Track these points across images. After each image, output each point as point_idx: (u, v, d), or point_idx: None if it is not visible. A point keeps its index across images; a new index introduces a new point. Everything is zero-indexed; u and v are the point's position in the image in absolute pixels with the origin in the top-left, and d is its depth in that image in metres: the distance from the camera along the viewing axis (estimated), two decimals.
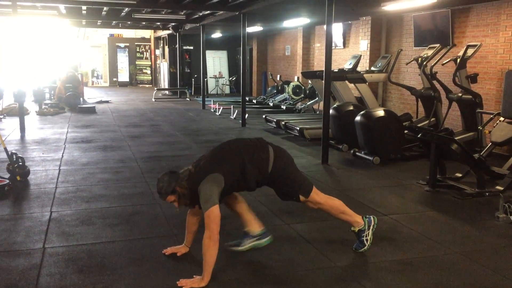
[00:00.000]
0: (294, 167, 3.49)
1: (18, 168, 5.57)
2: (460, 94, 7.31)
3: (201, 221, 3.42)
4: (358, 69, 9.28)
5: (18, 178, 5.51)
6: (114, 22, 15.93)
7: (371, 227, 3.64)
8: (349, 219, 3.62)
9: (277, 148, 3.45)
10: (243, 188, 3.41)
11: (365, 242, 3.62)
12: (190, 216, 3.55)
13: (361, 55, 9.61)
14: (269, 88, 16.33)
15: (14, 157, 5.60)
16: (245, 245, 3.60)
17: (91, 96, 17.31)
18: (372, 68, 9.25)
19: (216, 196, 3.13)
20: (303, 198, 3.45)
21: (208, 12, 11.98)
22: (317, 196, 3.52)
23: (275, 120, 9.87)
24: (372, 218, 3.69)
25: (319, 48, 13.90)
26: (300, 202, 3.48)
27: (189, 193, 3.22)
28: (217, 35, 18.50)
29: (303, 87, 13.50)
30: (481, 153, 6.06)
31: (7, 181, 5.30)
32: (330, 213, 3.62)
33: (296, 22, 12.46)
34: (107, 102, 15.80)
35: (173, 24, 16.26)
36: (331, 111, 7.54)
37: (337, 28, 12.18)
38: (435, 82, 7.73)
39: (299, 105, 12.94)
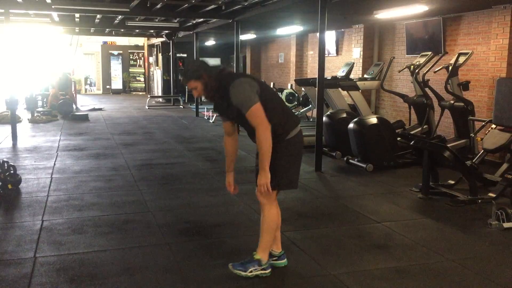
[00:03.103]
0: (300, 159, 3.37)
1: (9, 176, 5.51)
2: (452, 102, 7.36)
3: (237, 137, 3.43)
4: (351, 76, 9.32)
5: (9, 186, 5.45)
6: (107, 29, 15.90)
7: (265, 271, 3.32)
8: (263, 244, 3.32)
9: (301, 130, 3.42)
10: (277, 108, 3.21)
11: (248, 271, 3.28)
12: (227, 138, 3.46)
13: (354, 63, 9.66)
14: None
15: (6, 165, 5.56)
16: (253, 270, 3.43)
17: (84, 103, 17.25)
18: (365, 76, 9.30)
19: (255, 96, 3.04)
20: (275, 190, 3.25)
21: (202, 20, 12.01)
22: (274, 198, 3.32)
23: None
24: (279, 264, 3.46)
25: (312, 56, 13.96)
26: (265, 185, 3.12)
27: (215, 86, 3.11)
28: (210, 42, 18.54)
29: (296, 95, 13.52)
30: (474, 160, 6.09)
31: None
32: (263, 221, 3.33)
33: (289, 30, 12.52)
34: (100, 109, 15.74)
35: (167, 31, 16.28)
36: (324, 118, 7.55)
37: (330, 36, 12.25)
38: (427, 89, 7.78)
39: None
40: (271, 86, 15.16)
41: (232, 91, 3.06)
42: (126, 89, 23.98)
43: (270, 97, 3.19)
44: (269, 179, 3.10)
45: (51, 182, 6.03)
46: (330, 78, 8.93)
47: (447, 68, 7.39)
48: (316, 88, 7.00)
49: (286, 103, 13.22)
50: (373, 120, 7.01)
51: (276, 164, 3.19)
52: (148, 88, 23.78)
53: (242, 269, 3.30)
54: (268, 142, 3.05)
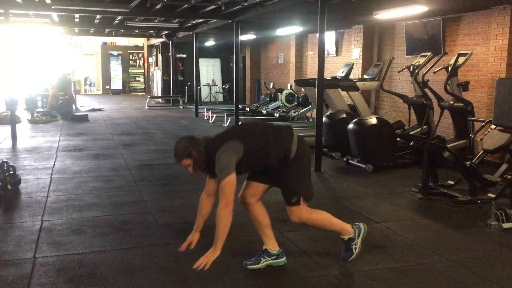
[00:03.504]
0: (310, 165, 3.44)
1: (9, 176, 5.52)
2: (451, 102, 7.36)
3: (215, 204, 3.35)
4: (351, 77, 9.33)
5: (9, 186, 5.46)
6: (107, 30, 15.91)
7: (361, 235, 3.55)
8: (337, 228, 3.53)
9: (299, 136, 3.42)
10: (263, 163, 3.28)
11: (353, 250, 3.50)
12: (205, 196, 3.44)
13: (353, 63, 9.67)
14: (262, 96, 16.37)
15: (5, 165, 5.56)
16: (262, 263, 3.51)
17: (83, 104, 17.26)
18: (365, 76, 9.30)
19: (233, 165, 3.09)
20: (299, 202, 3.33)
21: (201, 20, 12.01)
22: (305, 208, 3.41)
23: None
24: (362, 226, 3.60)
25: (312, 56, 13.97)
26: (293, 205, 3.33)
27: (205, 158, 3.19)
28: (210, 43, 18.54)
29: (296, 95, 13.53)
30: (473, 161, 6.09)
31: None
32: (318, 226, 3.54)
33: (289, 30, 12.52)
34: (99, 110, 15.74)
35: (166, 32, 16.28)
36: (324, 119, 7.56)
37: (330, 36, 12.25)
38: (427, 90, 7.78)
39: (292, 113, 12.96)
40: (271, 86, 15.18)
41: (216, 159, 3.14)
42: (126, 90, 23.98)
43: (261, 144, 3.23)
44: (216, 257, 3.09)
45: (50, 182, 6.03)
46: (329, 78, 8.94)
47: (446, 68, 7.39)
48: (316, 89, 7.01)
49: (286, 103, 13.28)
50: (373, 120, 7.02)
51: (293, 180, 3.31)
52: (147, 89, 23.79)
53: (349, 255, 3.51)
54: (227, 221, 3.07)
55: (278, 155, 3.26)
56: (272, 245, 3.53)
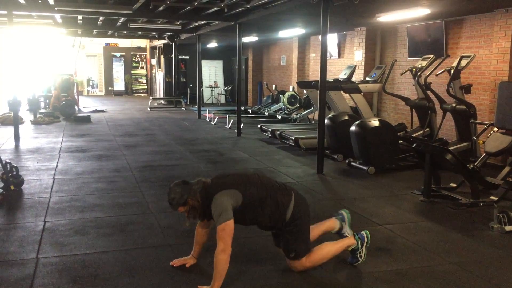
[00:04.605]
0: (308, 220, 3.45)
1: (12, 177, 5.54)
2: (454, 105, 7.36)
3: (210, 233, 3.42)
4: (353, 79, 9.32)
5: (12, 187, 5.48)
6: (110, 31, 15.96)
7: (364, 244, 3.59)
8: (342, 250, 3.57)
9: (298, 195, 3.44)
10: (255, 220, 3.34)
11: (359, 258, 3.58)
12: (199, 228, 3.52)
13: (356, 65, 9.66)
14: (265, 98, 16.38)
15: (8, 166, 5.57)
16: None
17: (86, 105, 17.29)
18: (367, 78, 9.30)
19: (231, 210, 3.11)
20: (298, 258, 3.39)
21: (204, 22, 12.04)
22: (307, 259, 3.43)
23: (270, 129, 9.88)
24: (364, 234, 3.63)
25: (314, 58, 13.98)
26: (293, 259, 3.40)
27: (200, 206, 3.20)
28: (212, 45, 18.57)
29: (298, 97, 13.53)
30: (475, 163, 6.08)
31: (1, 190, 5.28)
32: (324, 261, 3.54)
33: (291, 33, 12.53)
34: (102, 111, 15.77)
35: (169, 33, 16.32)
36: (326, 121, 7.56)
37: (332, 39, 12.26)
38: (429, 92, 7.78)
39: (294, 115, 12.97)
40: (273, 88, 15.19)
41: (212, 204, 3.15)
42: (128, 91, 24.03)
43: (258, 200, 3.24)
44: None
45: (53, 183, 6.04)
46: (332, 80, 8.94)
47: (449, 71, 7.39)
48: (318, 91, 7.01)
49: (288, 105, 13.28)
50: (375, 122, 7.01)
51: (290, 239, 3.35)
52: (150, 90, 23.82)
53: (355, 261, 3.58)
54: (224, 266, 3.09)
55: (272, 214, 3.29)
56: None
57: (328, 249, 3.52)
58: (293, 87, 14.36)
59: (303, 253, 3.39)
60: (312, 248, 3.46)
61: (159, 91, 21.00)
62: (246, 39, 14.31)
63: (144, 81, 24.29)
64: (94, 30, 15.59)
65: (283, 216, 3.30)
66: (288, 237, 3.36)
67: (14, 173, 5.62)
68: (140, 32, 16.34)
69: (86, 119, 12.99)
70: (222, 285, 3.10)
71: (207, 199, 3.17)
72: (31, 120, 12.33)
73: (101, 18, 12.31)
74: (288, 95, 13.68)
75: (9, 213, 4.88)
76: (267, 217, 3.29)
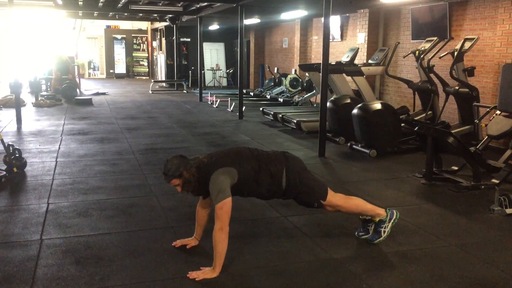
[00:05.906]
0: (307, 174, 3.48)
1: (15, 160, 5.56)
2: (457, 88, 7.32)
3: (210, 213, 3.43)
4: (356, 62, 9.28)
5: (15, 169, 5.50)
6: (110, 13, 15.83)
7: (392, 220, 3.66)
8: (370, 214, 3.65)
9: (289, 159, 3.44)
10: (254, 192, 3.38)
11: (382, 233, 3.64)
12: (200, 209, 3.55)
13: (358, 48, 9.61)
14: (267, 81, 16.32)
15: (11, 148, 5.59)
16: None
17: (87, 88, 17.26)
18: (370, 61, 9.25)
19: (229, 189, 3.13)
20: (322, 204, 3.48)
21: (206, 4, 11.93)
22: (334, 198, 3.52)
23: (272, 112, 9.87)
24: (395, 212, 3.71)
25: (316, 41, 13.88)
26: (320, 207, 3.51)
27: (195, 181, 3.22)
28: (214, 27, 18.44)
29: (300, 80, 13.49)
30: (477, 147, 6.07)
31: (4, 172, 5.31)
32: (352, 213, 3.67)
33: (293, 15, 12.43)
34: (104, 94, 15.75)
35: (170, 16, 16.18)
36: (328, 104, 7.54)
37: (335, 21, 12.15)
38: (432, 75, 7.74)
39: (296, 98, 12.94)
40: (275, 71, 15.13)
41: (210, 182, 3.15)
42: (130, 74, 23.95)
43: (253, 174, 3.27)
44: (213, 277, 3.08)
45: (56, 165, 6.07)
46: (334, 63, 8.90)
47: (452, 53, 7.33)
48: (320, 74, 6.98)
49: (290, 88, 13.24)
50: (377, 106, 7.00)
51: (299, 197, 3.45)
52: (151, 73, 23.74)
53: (377, 237, 3.64)
54: (223, 244, 3.10)
55: (269, 186, 3.33)
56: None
57: (358, 203, 3.64)
58: (295, 70, 14.29)
59: (324, 197, 3.46)
60: (346, 195, 3.65)
61: (161, 73, 20.92)
62: (248, 21, 14.20)
63: (146, 63, 24.19)
64: (95, 12, 15.48)
65: (279, 186, 3.35)
66: (301, 197, 3.46)
67: (17, 155, 5.64)
68: (141, 14, 16.22)
69: (88, 102, 12.98)
70: (223, 265, 3.14)
71: (203, 177, 3.19)
72: (32, 103, 12.33)
73: None
74: (290, 78, 13.63)
75: (12, 195, 4.91)
76: (264, 189, 3.34)
